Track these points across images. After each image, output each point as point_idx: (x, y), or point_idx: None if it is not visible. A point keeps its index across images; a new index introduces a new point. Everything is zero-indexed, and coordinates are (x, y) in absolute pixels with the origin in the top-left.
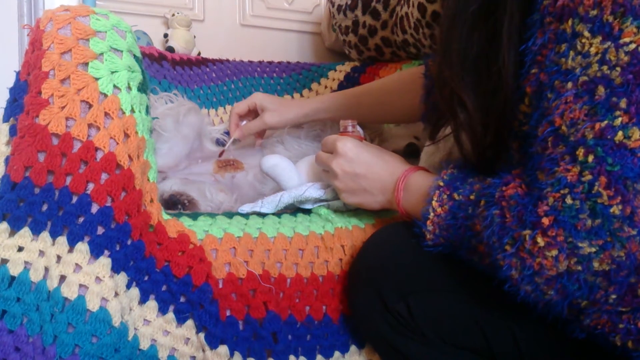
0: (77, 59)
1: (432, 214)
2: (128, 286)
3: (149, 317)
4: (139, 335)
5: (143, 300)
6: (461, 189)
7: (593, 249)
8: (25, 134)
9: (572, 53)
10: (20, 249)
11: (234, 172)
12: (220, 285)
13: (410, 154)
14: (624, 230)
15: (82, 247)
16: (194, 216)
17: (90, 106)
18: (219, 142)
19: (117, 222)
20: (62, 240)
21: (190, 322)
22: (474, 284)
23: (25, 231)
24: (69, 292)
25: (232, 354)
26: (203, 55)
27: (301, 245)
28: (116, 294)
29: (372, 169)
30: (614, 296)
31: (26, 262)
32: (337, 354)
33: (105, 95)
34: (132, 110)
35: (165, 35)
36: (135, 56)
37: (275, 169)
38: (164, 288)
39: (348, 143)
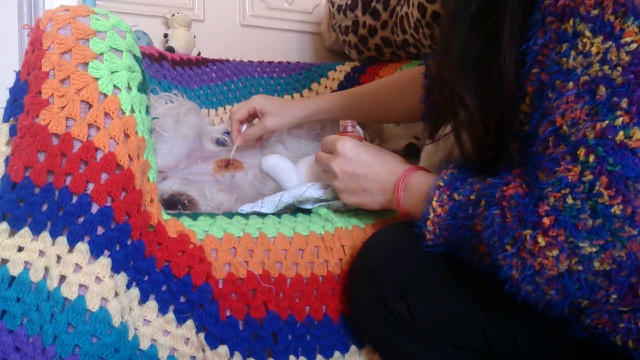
0: (77, 59)
1: (432, 214)
2: (128, 286)
3: (149, 317)
4: (139, 335)
5: (143, 300)
6: (461, 189)
7: (594, 249)
8: (25, 134)
9: (573, 53)
10: (20, 249)
11: (233, 172)
12: (220, 285)
13: (410, 154)
14: (625, 230)
15: (82, 247)
16: (194, 216)
17: (90, 106)
18: (219, 142)
19: (117, 222)
20: (62, 240)
21: (190, 322)
22: (474, 284)
23: (25, 231)
24: (69, 292)
25: (232, 354)
26: (203, 55)
27: (301, 245)
28: (116, 294)
29: (371, 169)
30: (614, 296)
31: (26, 262)
32: (337, 354)
33: (105, 95)
34: (132, 110)
35: (165, 35)
36: (135, 56)
37: (275, 169)
38: (164, 288)
39: (348, 143)
